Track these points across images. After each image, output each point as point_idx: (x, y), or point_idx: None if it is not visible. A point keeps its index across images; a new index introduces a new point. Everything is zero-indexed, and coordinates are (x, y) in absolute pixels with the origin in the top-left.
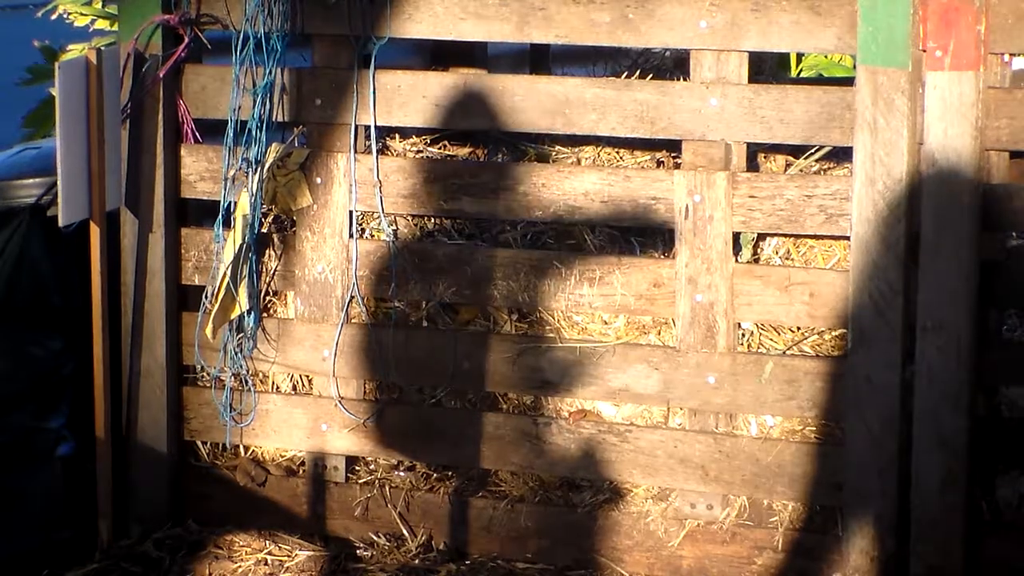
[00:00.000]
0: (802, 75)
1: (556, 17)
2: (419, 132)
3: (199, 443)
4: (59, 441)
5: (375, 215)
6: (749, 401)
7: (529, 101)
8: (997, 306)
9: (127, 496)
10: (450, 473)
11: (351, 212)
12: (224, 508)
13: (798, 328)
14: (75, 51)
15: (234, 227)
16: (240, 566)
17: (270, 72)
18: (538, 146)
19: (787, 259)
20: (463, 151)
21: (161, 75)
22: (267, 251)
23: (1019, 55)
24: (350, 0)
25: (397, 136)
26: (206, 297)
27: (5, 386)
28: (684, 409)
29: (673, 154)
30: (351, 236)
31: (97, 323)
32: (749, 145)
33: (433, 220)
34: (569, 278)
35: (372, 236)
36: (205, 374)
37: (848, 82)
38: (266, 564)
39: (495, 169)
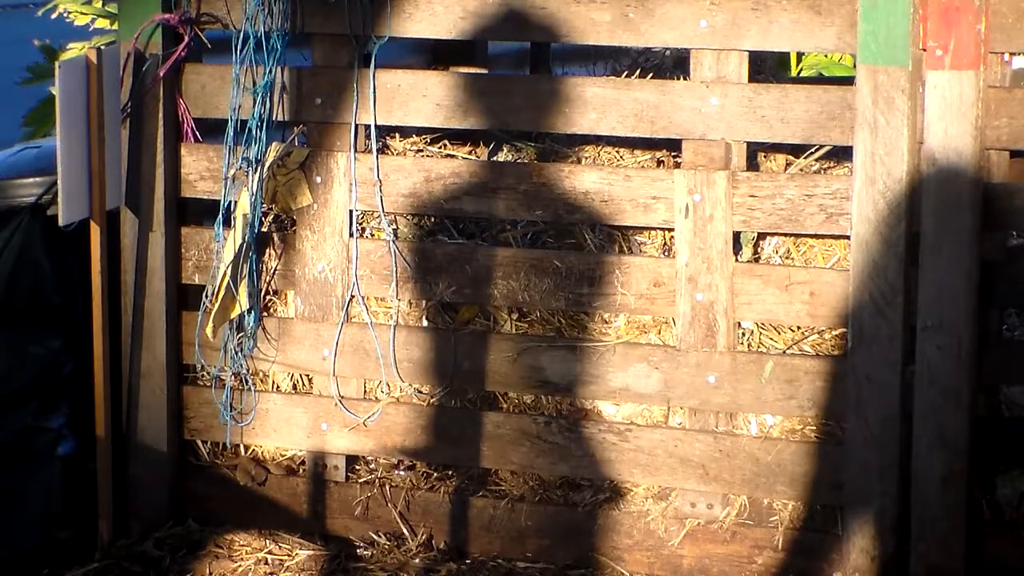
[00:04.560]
0: (802, 74)
1: (556, 16)
2: (419, 131)
3: (199, 442)
4: (59, 440)
5: (375, 214)
6: (749, 400)
7: (529, 100)
8: (997, 305)
9: (127, 495)
10: (450, 472)
11: (351, 211)
12: (224, 507)
13: (798, 327)
14: (75, 50)
15: (234, 226)
16: (240, 565)
17: (270, 71)
18: (538, 145)
19: (787, 258)
20: (463, 150)
21: (161, 74)
22: (267, 250)
23: (1019, 54)
24: None
25: (397, 135)
26: (206, 296)
27: (5, 385)
28: (684, 408)
29: (673, 153)
30: (351, 235)
31: (97, 322)
32: (749, 144)
33: (433, 219)
34: (569, 277)
35: (372, 235)
36: (205, 373)
37: (848, 81)
38: (266, 563)
39: (495, 168)
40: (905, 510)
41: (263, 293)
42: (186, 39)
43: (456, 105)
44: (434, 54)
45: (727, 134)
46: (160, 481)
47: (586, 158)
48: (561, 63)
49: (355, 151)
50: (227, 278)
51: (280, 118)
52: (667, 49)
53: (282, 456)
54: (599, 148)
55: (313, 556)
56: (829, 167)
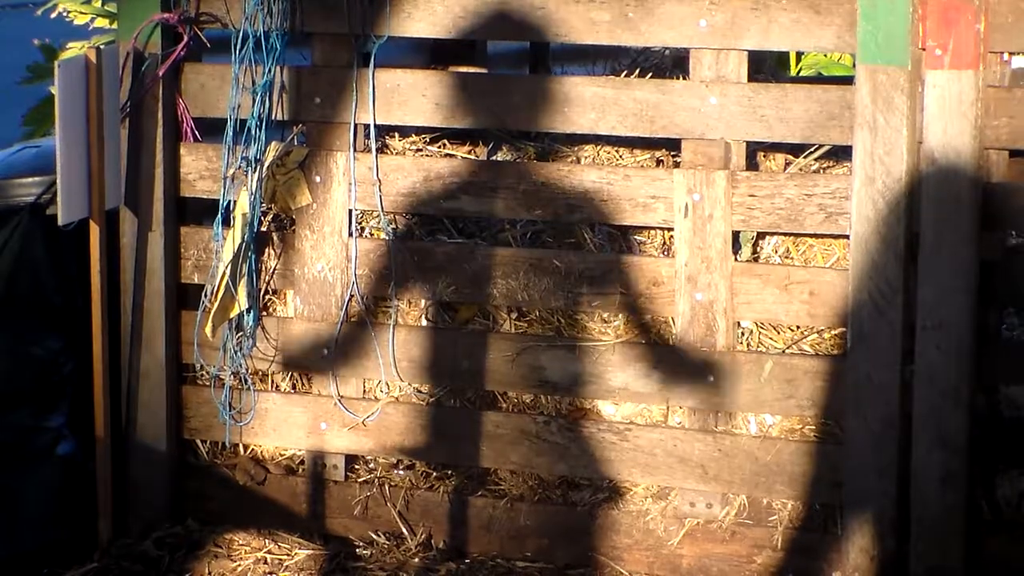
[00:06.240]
0: (801, 74)
1: (556, 16)
2: (419, 131)
3: (199, 442)
4: (59, 440)
5: (374, 214)
6: (748, 400)
7: (528, 100)
8: (997, 305)
9: (127, 495)
10: (449, 472)
11: (350, 211)
12: (223, 507)
13: (797, 327)
14: (75, 49)
15: (233, 226)
16: (239, 565)
17: (269, 71)
18: (537, 145)
19: (786, 258)
20: (462, 150)
21: (160, 74)
22: (266, 250)
23: (1018, 54)
24: None
25: (396, 135)
26: (205, 296)
27: (5, 385)
28: (683, 408)
29: (673, 153)
30: (350, 235)
31: (96, 322)
32: (749, 144)
33: (433, 219)
34: (569, 277)
35: (371, 235)
36: (204, 373)
37: (848, 81)
38: (265, 563)
39: (494, 168)
40: (905, 510)
41: (262, 292)
42: (185, 39)
43: (455, 105)
44: (433, 54)
45: (726, 133)
46: (159, 481)
47: (585, 158)
48: (561, 63)
49: (354, 150)
50: (226, 277)
51: (279, 117)
52: (666, 49)
53: (281, 455)
54: (598, 147)
55: (312, 555)
56: (828, 166)
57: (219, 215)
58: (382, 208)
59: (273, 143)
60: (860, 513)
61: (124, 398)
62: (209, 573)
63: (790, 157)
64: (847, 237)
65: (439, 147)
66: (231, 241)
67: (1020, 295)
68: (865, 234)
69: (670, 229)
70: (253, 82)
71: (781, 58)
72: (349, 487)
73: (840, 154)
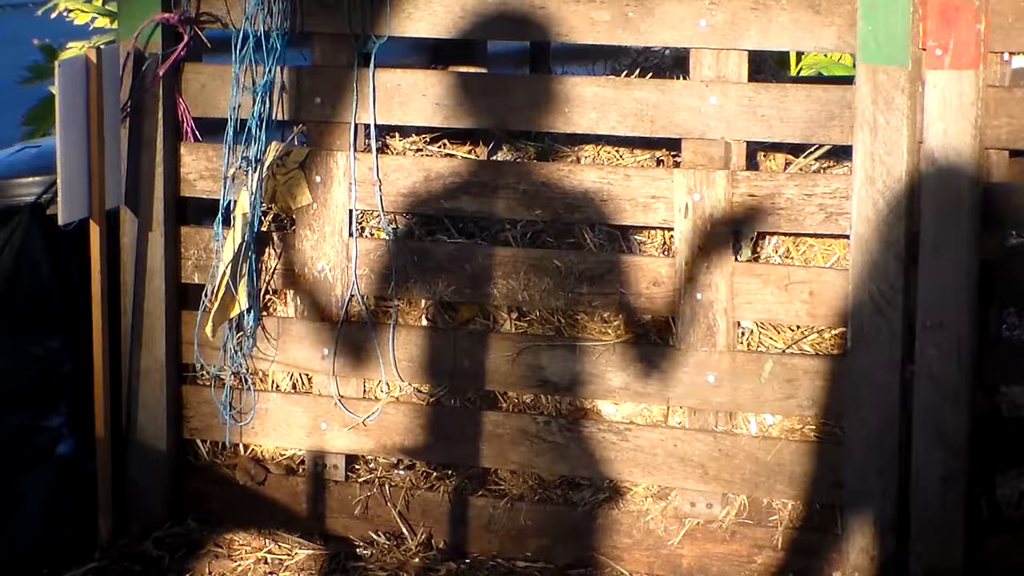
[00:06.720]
0: (801, 73)
1: (556, 16)
2: (419, 131)
3: (199, 442)
4: (59, 440)
5: (375, 214)
6: (749, 400)
7: (529, 100)
8: (997, 305)
9: (127, 495)
10: (450, 472)
11: (351, 211)
12: (224, 507)
13: (798, 327)
14: (75, 49)
15: (234, 226)
16: (240, 565)
17: (270, 70)
18: (538, 144)
19: (787, 258)
20: (463, 150)
21: (161, 73)
22: (267, 249)
23: (1019, 54)
24: None
25: (397, 135)
26: (206, 296)
27: (5, 385)
28: (684, 408)
29: (673, 153)
30: (351, 235)
31: (97, 322)
32: (749, 143)
33: (433, 218)
34: (569, 276)
35: (372, 235)
36: (205, 373)
37: (848, 81)
38: (266, 563)
39: (495, 168)
40: (905, 510)
41: (262, 292)
42: (185, 38)
43: (456, 104)
44: (434, 53)
45: (727, 133)
46: (159, 480)
47: (586, 157)
48: (561, 63)
49: (355, 150)
50: (226, 277)
51: (280, 117)
52: (667, 48)
53: (281, 455)
54: (599, 147)
55: (313, 555)
56: (829, 166)
57: (219, 215)
58: (382, 208)
59: (273, 143)
60: (860, 513)
61: (124, 398)
62: (209, 573)
63: (790, 157)
64: (847, 237)
65: (439, 147)
66: (231, 241)
67: (1020, 295)
68: (865, 234)
69: (670, 229)
70: (253, 82)
71: (781, 58)
72: (349, 487)
73: (840, 154)
